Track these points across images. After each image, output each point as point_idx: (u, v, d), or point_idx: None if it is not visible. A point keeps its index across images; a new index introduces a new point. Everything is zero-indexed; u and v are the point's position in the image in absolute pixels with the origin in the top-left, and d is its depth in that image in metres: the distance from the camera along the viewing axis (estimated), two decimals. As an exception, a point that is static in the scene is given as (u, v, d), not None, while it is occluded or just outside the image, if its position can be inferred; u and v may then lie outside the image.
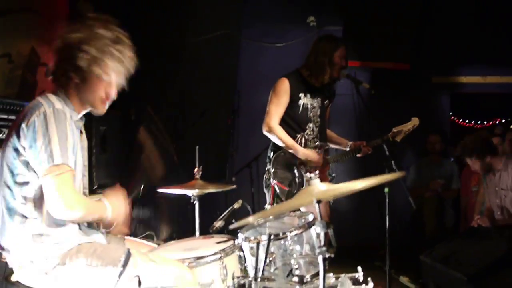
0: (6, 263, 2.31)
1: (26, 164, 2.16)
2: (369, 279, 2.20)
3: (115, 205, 2.34)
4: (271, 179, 3.93)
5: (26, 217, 2.19)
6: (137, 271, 2.25)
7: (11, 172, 2.19)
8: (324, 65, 3.96)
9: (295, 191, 3.88)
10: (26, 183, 2.18)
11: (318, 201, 1.89)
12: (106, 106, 2.41)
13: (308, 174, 1.97)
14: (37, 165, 2.13)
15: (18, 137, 2.16)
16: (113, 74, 2.31)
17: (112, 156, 5.15)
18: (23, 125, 2.14)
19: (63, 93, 2.29)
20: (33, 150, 2.12)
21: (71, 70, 2.26)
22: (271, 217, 2.90)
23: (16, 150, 2.17)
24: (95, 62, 2.24)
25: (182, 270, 2.42)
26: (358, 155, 4.09)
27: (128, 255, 2.27)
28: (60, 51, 2.28)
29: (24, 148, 2.15)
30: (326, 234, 1.79)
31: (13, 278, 2.28)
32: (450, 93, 7.04)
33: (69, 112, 2.25)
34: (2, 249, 2.23)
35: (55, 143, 2.11)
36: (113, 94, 2.39)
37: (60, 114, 2.17)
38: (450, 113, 7.26)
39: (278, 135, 3.94)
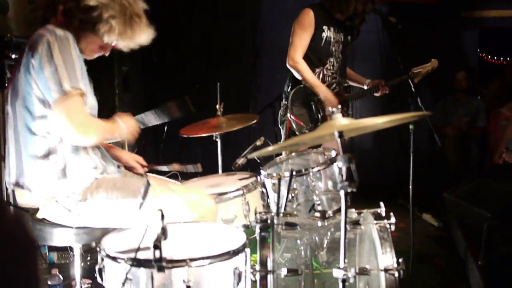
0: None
1: (41, 97, 2.16)
2: (391, 214, 2.20)
3: (128, 123, 2.35)
4: (288, 114, 3.86)
5: (49, 154, 2.20)
6: (157, 201, 2.26)
7: (28, 108, 2.19)
8: None
9: (309, 127, 3.82)
10: (45, 116, 2.18)
11: (340, 135, 1.87)
12: (94, 57, 2.40)
13: (330, 108, 1.93)
14: (47, 94, 2.12)
15: (28, 71, 2.14)
16: (116, 41, 2.29)
17: (135, 96, 5.17)
18: (31, 59, 2.12)
19: (64, 27, 2.23)
20: (41, 80, 2.11)
21: (78, 16, 2.22)
22: (293, 154, 2.89)
23: (28, 84, 2.16)
24: (105, 23, 2.21)
25: (202, 197, 2.44)
26: (376, 94, 3.97)
27: (148, 186, 2.28)
28: None
29: (34, 80, 2.14)
30: (348, 169, 1.76)
31: (39, 215, 2.32)
32: (479, 28, 6.79)
33: (72, 39, 2.20)
34: (22, 187, 2.25)
35: (62, 69, 2.09)
36: (106, 52, 2.40)
37: (63, 40, 2.14)
38: (478, 50, 7.02)
39: (302, 71, 3.82)
